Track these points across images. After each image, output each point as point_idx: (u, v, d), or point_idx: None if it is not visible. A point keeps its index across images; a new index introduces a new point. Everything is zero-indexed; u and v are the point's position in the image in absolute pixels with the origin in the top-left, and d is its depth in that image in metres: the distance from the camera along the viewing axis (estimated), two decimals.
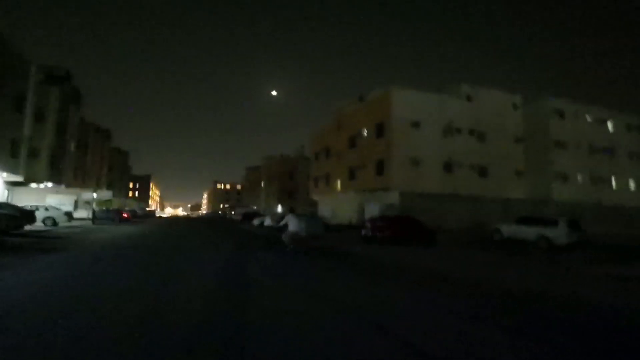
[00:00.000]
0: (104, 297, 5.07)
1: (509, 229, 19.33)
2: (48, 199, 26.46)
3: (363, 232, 15.83)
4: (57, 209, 22.68)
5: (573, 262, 12.06)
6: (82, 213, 28.13)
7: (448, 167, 30.05)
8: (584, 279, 8.65)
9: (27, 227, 17.27)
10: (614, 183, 37.69)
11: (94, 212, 28.40)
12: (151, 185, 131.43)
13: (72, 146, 34.77)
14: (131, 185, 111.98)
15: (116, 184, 62.48)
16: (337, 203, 36.69)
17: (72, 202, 28.85)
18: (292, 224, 11.79)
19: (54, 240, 13.60)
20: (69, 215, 22.94)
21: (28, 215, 16.39)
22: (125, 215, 35.30)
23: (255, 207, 74.62)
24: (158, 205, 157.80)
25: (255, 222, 33.24)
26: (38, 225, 19.97)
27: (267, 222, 27.89)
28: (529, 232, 17.93)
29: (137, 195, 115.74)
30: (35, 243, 12.41)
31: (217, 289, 6.02)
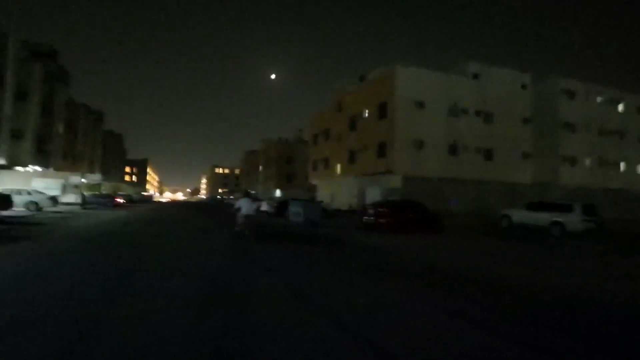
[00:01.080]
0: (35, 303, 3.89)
1: (518, 215, 18.23)
2: (33, 183, 25.21)
3: (364, 218, 14.67)
4: (41, 193, 21.46)
5: (595, 252, 10.96)
6: (70, 198, 26.92)
7: (453, 149, 28.73)
8: (614, 273, 7.51)
9: (6, 213, 16.11)
10: (622, 167, 36.47)
11: (83, 197, 27.22)
12: (148, 169, 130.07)
13: (60, 128, 33.29)
14: (128, 169, 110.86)
15: (110, 168, 61.14)
16: (337, 187, 35.51)
17: (60, 186, 27.60)
18: (244, 207, 11.16)
19: (28, 227, 12.44)
20: (53, 199, 21.72)
21: (2, 199, 15.17)
22: (119, 200, 34.18)
23: (253, 192, 73.53)
24: (157, 189, 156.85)
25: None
26: (19, 210, 18.80)
27: (264, 207, 26.76)
28: (541, 218, 16.83)
29: (134, 179, 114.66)
30: (5, 230, 11.24)
31: (185, 286, 4.87)
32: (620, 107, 36.86)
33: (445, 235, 13.89)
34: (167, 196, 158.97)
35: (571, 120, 33.77)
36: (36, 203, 20.20)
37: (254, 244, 9.76)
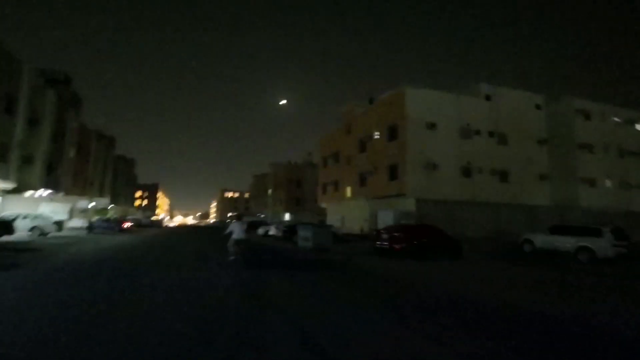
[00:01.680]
0: None
1: (542, 239, 17.09)
2: (41, 208, 24.98)
3: (378, 243, 13.80)
4: (47, 218, 21.13)
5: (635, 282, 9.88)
6: (77, 222, 26.61)
7: (466, 171, 27.85)
8: None
9: (6, 238, 15.67)
10: None
11: (90, 222, 26.86)
12: (159, 194, 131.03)
13: (71, 152, 33.51)
14: (139, 194, 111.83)
15: (121, 192, 61.40)
16: (347, 211, 34.64)
17: (67, 210, 27.36)
18: (236, 231, 10.62)
19: (24, 254, 11.87)
20: (58, 224, 21.35)
21: (3, 225, 14.75)
22: (126, 225, 33.83)
23: (262, 216, 72.94)
24: (167, 213, 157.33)
25: (260, 231, 31.42)
26: (21, 235, 18.39)
27: (272, 231, 26.01)
28: (566, 242, 15.71)
29: (144, 204, 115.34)
30: None
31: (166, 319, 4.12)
32: (639, 127, 35.82)
33: (465, 262, 12.90)
34: (177, 220, 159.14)
35: (588, 140, 32.79)
36: (41, 229, 19.81)
37: (255, 273, 8.99)
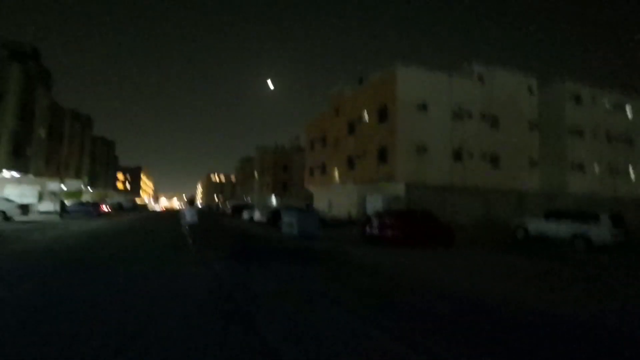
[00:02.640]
0: None
1: (535, 226, 16.51)
2: (6, 190, 23.26)
3: (367, 230, 12.89)
4: (10, 201, 19.54)
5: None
6: (47, 206, 24.97)
7: (458, 155, 27.11)
8: None
9: None
10: (632, 174, 35.07)
11: (61, 205, 25.27)
12: (143, 176, 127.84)
13: (41, 132, 31.42)
14: (121, 177, 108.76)
15: (100, 175, 59.09)
16: (335, 195, 33.75)
17: (36, 193, 25.65)
18: (187, 216, 10.98)
19: None
20: (24, 208, 19.81)
21: None
22: (104, 209, 32.27)
23: (249, 199, 71.65)
24: (152, 197, 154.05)
25: (245, 215, 30.32)
26: None
27: (256, 216, 24.94)
28: (562, 229, 15.15)
29: (127, 187, 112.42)
30: None
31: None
32: (628, 112, 35.62)
33: (458, 251, 12.12)
34: (163, 204, 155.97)
35: (578, 125, 32.45)
36: (3, 212, 18.29)
37: (229, 266, 7.97)
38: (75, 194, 30.14)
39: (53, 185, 27.41)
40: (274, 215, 19.38)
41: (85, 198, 40.59)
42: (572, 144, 32.02)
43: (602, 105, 34.22)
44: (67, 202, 28.36)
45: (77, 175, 42.76)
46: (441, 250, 11.93)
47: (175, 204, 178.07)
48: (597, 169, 32.96)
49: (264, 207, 26.45)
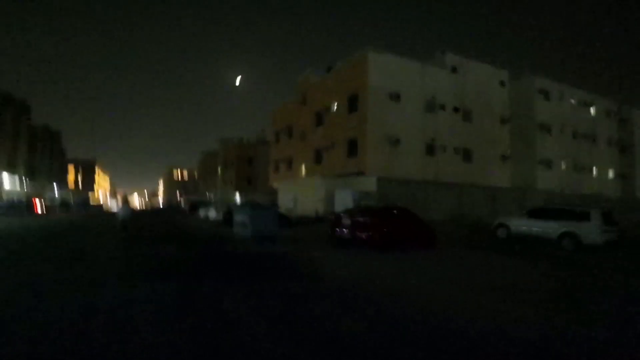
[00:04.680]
0: None
1: (518, 224, 15.10)
2: None
3: (337, 230, 10.74)
4: None
5: None
6: None
7: (430, 149, 25.70)
8: None
9: None
10: (594, 171, 35.52)
11: None
12: (97, 171, 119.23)
13: None
14: (72, 170, 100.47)
15: (42, 168, 53.25)
16: (301, 191, 31.44)
17: None
18: (121, 213, 10.75)
19: None
20: None
21: None
22: (39, 208, 28.15)
23: (211, 196, 67.86)
24: (108, 193, 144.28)
25: (201, 213, 27.35)
26: None
27: (212, 214, 22.20)
28: (549, 227, 13.78)
29: (79, 181, 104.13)
30: None
31: None
32: (592, 111, 36.03)
33: (441, 253, 10.29)
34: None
35: (547, 121, 32.18)
36: None
37: (148, 288, 5.55)
38: None
39: None
40: (229, 214, 16.81)
41: (18, 194, 35.80)
42: (541, 139, 31.71)
43: (568, 102, 34.26)
44: None
45: (10, 168, 37.68)
46: (423, 253, 10.02)
47: (136, 201, 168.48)
48: (563, 165, 32.93)
49: (220, 204, 23.78)
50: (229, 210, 17.65)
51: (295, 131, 32.49)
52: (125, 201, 12.93)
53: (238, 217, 12.43)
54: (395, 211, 11.36)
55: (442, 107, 26.44)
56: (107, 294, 5.07)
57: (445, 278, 6.86)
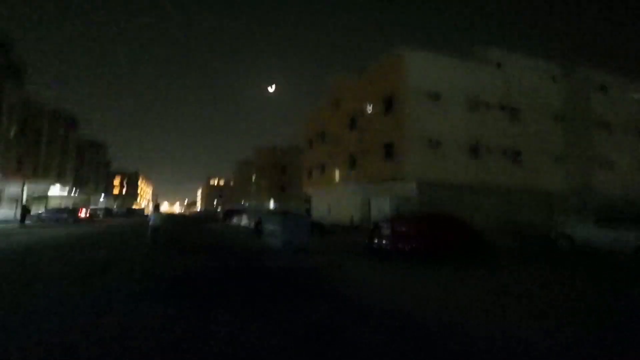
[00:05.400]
0: None
1: (584, 234, 13.14)
2: None
3: (376, 241, 9.55)
4: None
5: None
6: (7, 212, 21.83)
7: (474, 151, 23.78)
8: None
9: None
10: None
11: (24, 209, 22.17)
12: (140, 181, 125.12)
13: (10, 131, 28.41)
14: (117, 182, 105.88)
15: (89, 179, 56.11)
16: (335, 198, 30.45)
17: None
18: (152, 219, 10.28)
19: None
20: None
21: None
22: (84, 215, 29.26)
23: (247, 204, 68.51)
24: (151, 202, 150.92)
25: (235, 221, 27.02)
26: None
27: (244, 222, 21.68)
28: (624, 237, 11.77)
29: (124, 192, 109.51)
30: None
31: None
32: None
33: (497, 269, 8.80)
34: (163, 209, 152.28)
35: (606, 118, 29.10)
36: None
37: (156, 311, 4.72)
38: (38, 199, 26.99)
39: (14, 188, 24.29)
40: (260, 222, 16.08)
41: (66, 203, 37.57)
42: (599, 138, 28.69)
43: (629, 97, 30.87)
44: (39, 208, 25.37)
45: (60, 179, 39.71)
46: (477, 269, 8.60)
47: (177, 209, 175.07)
48: (625, 165, 29.52)
49: (253, 212, 23.30)
50: (260, 219, 16.93)
51: (328, 136, 31.62)
52: (157, 208, 12.41)
53: (268, 226, 11.60)
54: (441, 219, 10.00)
55: (487, 106, 24.47)
56: (100, 319, 4.28)
57: (512, 306, 5.51)
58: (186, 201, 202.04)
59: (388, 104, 23.48)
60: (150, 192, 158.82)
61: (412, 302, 5.42)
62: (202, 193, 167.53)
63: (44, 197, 27.49)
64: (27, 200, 24.62)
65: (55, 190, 33.74)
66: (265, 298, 5.44)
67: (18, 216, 21.93)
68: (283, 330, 4.00)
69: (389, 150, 23.10)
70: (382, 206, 21.88)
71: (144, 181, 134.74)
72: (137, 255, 10.07)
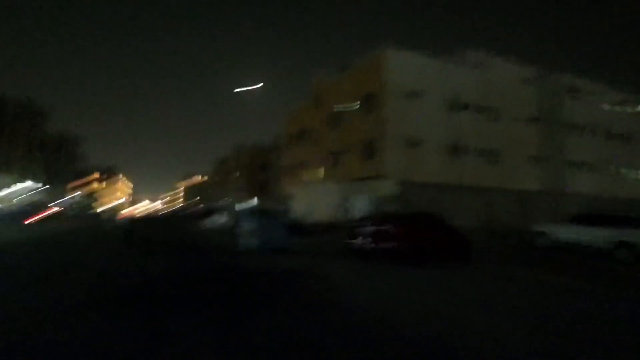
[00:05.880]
0: None
1: (561, 232, 13.35)
2: None
3: (357, 241, 9.26)
4: None
5: None
6: None
7: (454, 150, 23.96)
8: None
9: None
10: (633, 174, 32.89)
11: None
12: (118, 177, 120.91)
13: None
14: (97, 177, 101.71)
15: (60, 174, 53.62)
16: (315, 197, 30.10)
17: None
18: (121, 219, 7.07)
19: None
20: None
21: None
22: (42, 214, 27.38)
23: (228, 202, 67.28)
24: (129, 198, 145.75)
25: (213, 219, 26.11)
26: None
27: (223, 220, 21.03)
28: (599, 236, 11.99)
29: (103, 189, 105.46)
30: None
31: None
32: (625, 110, 33.53)
33: (478, 269, 8.71)
34: (141, 206, 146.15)
35: (578, 121, 29.99)
36: None
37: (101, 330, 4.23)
38: None
39: None
40: (236, 222, 15.51)
41: (28, 202, 35.62)
42: (572, 140, 29.54)
43: (600, 101, 31.96)
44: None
45: (24, 175, 37.64)
46: (460, 269, 8.46)
47: (158, 205, 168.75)
48: (595, 167, 30.57)
49: (232, 210, 22.63)
50: (236, 219, 16.38)
51: (309, 135, 31.23)
52: (125, 209, 11.03)
53: (244, 225, 11.08)
54: (425, 218, 9.82)
55: (466, 107, 24.69)
56: (41, 328, 3.78)
57: (501, 308, 5.32)
58: (166, 198, 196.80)
59: (369, 103, 23.31)
60: (130, 189, 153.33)
61: (394, 307, 5.13)
62: (182, 190, 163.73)
63: None
64: None
65: (20, 186, 31.89)
66: (232, 307, 5.01)
67: None
68: (253, 346, 3.61)
69: (369, 149, 22.94)
70: (363, 205, 21.70)
71: (122, 178, 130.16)
72: (102, 256, 9.42)
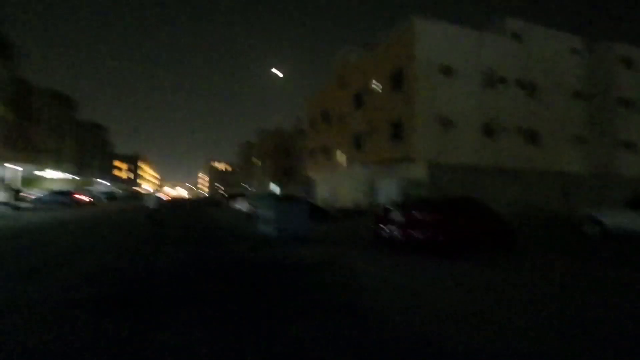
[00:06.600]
0: None
1: (616, 218, 11.77)
2: None
3: (385, 229, 8.25)
4: None
5: None
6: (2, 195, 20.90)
7: (488, 130, 22.20)
8: None
9: None
10: None
11: (16, 194, 21.18)
12: (143, 165, 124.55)
13: (1, 111, 27.23)
14: (123, 166, 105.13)
15: (91, 162, 55.27)
16: (339, 181, 29.15)
17: None
18: (150, 203, 9.38)
19: None
20: None
21: None
22: (81, 198, 28.36)
23: (252, 188, 67.60)
24: (156, 186, 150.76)
25: (237, 205, 25.83)
26: None
27: (244, 206, 20.53)
28: None
29: (129, 176, 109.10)
30: None
31: None
32: None
33: (526, 260, 7.52)
34: (167, 192, 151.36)
35: (630, 96, 27.13)
36: None
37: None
38: (34, 181, 25.99)
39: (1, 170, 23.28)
40: (256, 209, 14.80)
41: (64, 186, 36.69)
42: (622, 117, 26.81)
43: None
44: (37, 192, 24.45)
45: (58, 161, 38.75)
46: (505, 262, 7.31)
47: (183, 193, 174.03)
48: None
49: (249, 196, 22.02)
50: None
51: (333, 117, 30.07)
52: (154, 193, 11.14)
53: (262, 212, 10.32)
54: (464, 204, 8.65)
55: (503, 81, 22.72)
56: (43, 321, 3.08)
57: (575, 316, 4.22)
58: (191, 185, 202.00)
59: (397, 80, 21.82)
60: (155, 175, 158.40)
61: (433, 312, 4.15)
62: (207, 176, 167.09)
63: (39, 179, 26.44)
64: (10, 181, 23.62)
65: (55, 173, 32.73)
66: (245, 304, 4.19)
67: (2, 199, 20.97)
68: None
69: (397, 130, 21.59)
70: (390, 190, 20.56)
71: (147, 165, 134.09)
72: (122, 241, 8.92)
